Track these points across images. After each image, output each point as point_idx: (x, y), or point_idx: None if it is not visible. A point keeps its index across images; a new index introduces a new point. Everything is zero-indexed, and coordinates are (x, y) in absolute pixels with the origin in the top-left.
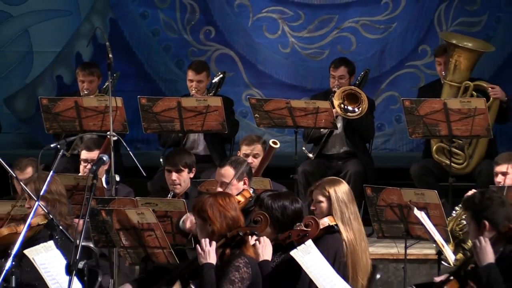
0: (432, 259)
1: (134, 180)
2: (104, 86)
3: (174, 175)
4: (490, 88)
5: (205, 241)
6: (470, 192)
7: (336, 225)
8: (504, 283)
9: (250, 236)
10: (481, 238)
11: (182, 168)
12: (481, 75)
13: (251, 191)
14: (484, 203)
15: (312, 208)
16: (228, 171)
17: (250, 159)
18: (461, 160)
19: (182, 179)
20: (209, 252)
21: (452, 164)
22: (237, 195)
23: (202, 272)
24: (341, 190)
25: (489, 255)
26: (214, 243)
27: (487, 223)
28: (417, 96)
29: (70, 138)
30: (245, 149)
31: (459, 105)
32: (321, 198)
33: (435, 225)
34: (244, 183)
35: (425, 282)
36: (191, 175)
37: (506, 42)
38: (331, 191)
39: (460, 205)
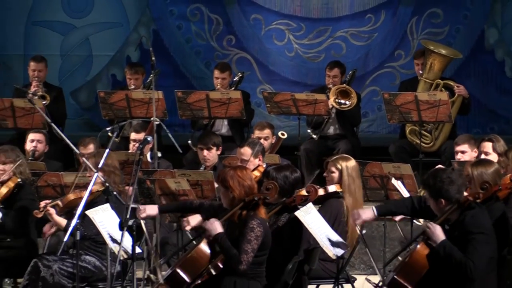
0: (406, 218)
1: (172, 156)
2: (148, 81)
3: (205, 152)
4: (456, 87)
5: (209, 220)
6: (436, 167)
7: (341, 192)
8: (459, 244)
9: (263, 200)
10: (429, 224)
11: (212, 147)
12: (444, 73)
13: (264, 166)
14: (437, 185)
15: (325, 175)
16: (246, 151)
17: (262, 141)
18: (429, 140)
19: (211, 155)
20: (215, 225)
21: (422, 143)
22: (253, 170)
23: (218, 242)
24: (351, 165)
25: (439, 235)
26: (214, 220)
27: (443, 200)
28: (398, 88)
29: (121, 123)
30: (257, 133)
31: (427, 97)
32: (334, 169)
33: (409, 191)
34: (259, 160)
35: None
36: (219, 152)
37: (464, 48)
38: (343, 165)
39: (421, 186)
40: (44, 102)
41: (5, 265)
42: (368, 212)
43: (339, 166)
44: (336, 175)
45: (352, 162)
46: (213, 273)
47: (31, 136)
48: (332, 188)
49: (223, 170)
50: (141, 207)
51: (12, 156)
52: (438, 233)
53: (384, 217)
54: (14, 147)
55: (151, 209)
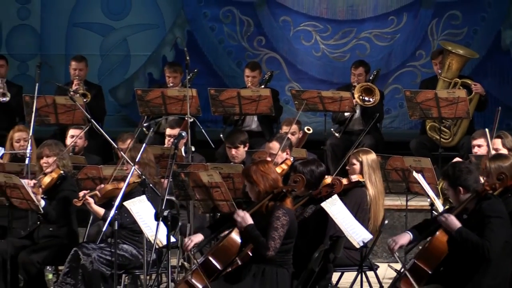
0: (426, 209)
1: (205, 150)
2: (186, 80)
3: (233, 151)
4: (473, 85)
5: (238, 211)
6: (454, 160)
7: (364, 181)
8: (477, 230)
9: (291, 192)
10: (444, 215)
11: (238, 145)
12: (464, 72)
13: (291, 159)
14: (456, 174)
15: (347, 168)
16: (275, 145)
17: (289, 136)
18: (448, 136)
19: (239, 153)
20: (245, 217)
21: (441, 139)
22: (281, 163)
23: (248, 233)
24: (371, 158)
25: (455, 223)
26: (245, 212)
27: (461, 188)
28: (419, 86)
29: (157, 119)
30: (285, 129)
31: (446, 95)
32: (355, 161)
33: (428, 184)
34: (287, 153)
35: (420, 223)
36: (246, 148)
37: (481, 48)
38: (364, 157)
39: (441, 177)
40: (84, 99)
41: (47, 253)
42: (405, 237)
43: (359, 159)
44: (357, 166)
45: (372, 155)
46: (243, 261)
47: (71, 132)
48: (354, 177)
49: (247, 167)
50: (186, 239)
51: (55, 150)
52: (453, 221)
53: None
54: (57, 141)
55: (197, 237)
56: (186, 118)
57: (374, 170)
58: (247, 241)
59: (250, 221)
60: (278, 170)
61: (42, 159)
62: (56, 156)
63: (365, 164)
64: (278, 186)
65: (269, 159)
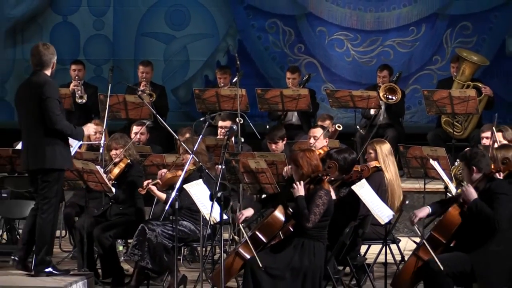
0: (441, 191)
1: (252, 141)
2: (234, 81)
3: (273, 145)
4: (483, 88)
5: (298, 182)
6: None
7: (380, 166)
8: (488, 206)
9: (326, 176)
10: (465, 185)
11: (277, 141)
12: (474, 75)
13: (328, 147)
14: (472, 155)
15: (366, 157)
16: (318, 130)
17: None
18: (460, 129)
19: (278, 147)
20: (300, 188)
21: (454, 132)
22: (320, 148)
23: (297, 201)
24: (384, 147)
25: (473, 194)
26: (302, 182)
27: (474, 168)
28: (436, 86)
29: (212, 114)
30: (320, 123)
31: (458, 94)
32: (371, 150)
33: (443, 169)
34: (326, 141)
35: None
36: (284, 142)
37: (488, 54)
38: (377, 147)
39: (458, 159)
40: (151, 98)
41: (118, 229)
42: (424, 211)
43: (374, 148)
44: (372, 155)
45: (385, 145)
46: (285, 235)
47: (134, 129)
48: (372, 163)
49: (295, 152)
50: (238, 213)
51: (122, 142)
52: (472, 192)
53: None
54: (123, 134)
55: (247, 211)
56: (237, 120)
57: (387, 156)
58: (294, 209)
59: (303, 192)
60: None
61: (111, 151)
62: (123, 148)
63: (379, 152)
64: (318, 170)
65: (312, 141)
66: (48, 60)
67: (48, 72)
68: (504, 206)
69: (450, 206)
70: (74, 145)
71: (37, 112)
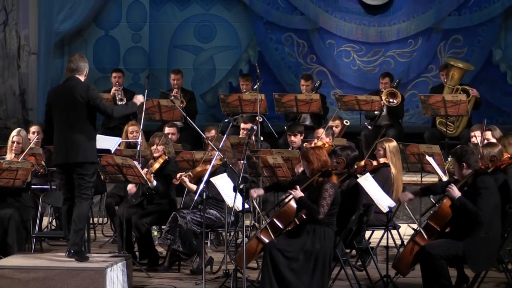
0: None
1: (270, 140)
2: (255, 87)
3: (292, 137)
4: (470, 90)
5: (294, 188)
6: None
7: (388, 162)
8: (473, 200)
9: (335, 170)
10: (449, 186)
11: (297, 133)
12: (463, 81)
13: (333, 145)
14: (462, 152)
15: (375, 153)
16: (321, 131)
17: (333, 128)
18: (452, 129)
19: (296, 140)
20: (298, 192)
21: (447, 131)
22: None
23: (301, 202)
24: (392, 145)
25: (456, 193)
26: (298, 186)
27: (464, 164)
28: (430, 91)
29: (235, 116)
30: (330, 123)
31: (451, 98)
32: (380, 148)
33: (438, 164)
34: (329, 139)
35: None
36: (302, 137)
37: (477, 63)
38: (386, 145)
39: (451, 156)
40: (181, 104)
41: (154, 216)
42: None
43: (383, 146)
44: (382, 152)
45: (393, 143)
46: (300, 221)
47: (166, 130)
48: (382, 160)
49: (306, 149)
50: (251, 191)
51: (164, 140)
52: (456, 191)
53: (425, 195)
54: (164, 133)
55: (259, 191)
56: (257, 118)
57: (394, 155)
58: (301, 208)
59: (301, 194)
60: None
61: (153, 145)
62: (164, 145)
63: (388, 150)
64: (327, 165)
65: (315, 140)
66: (83, 67)
67: (82, 78)
68: (485, 200)
69: (443, 199)
70: (114, 143)
71: (76, 111)
